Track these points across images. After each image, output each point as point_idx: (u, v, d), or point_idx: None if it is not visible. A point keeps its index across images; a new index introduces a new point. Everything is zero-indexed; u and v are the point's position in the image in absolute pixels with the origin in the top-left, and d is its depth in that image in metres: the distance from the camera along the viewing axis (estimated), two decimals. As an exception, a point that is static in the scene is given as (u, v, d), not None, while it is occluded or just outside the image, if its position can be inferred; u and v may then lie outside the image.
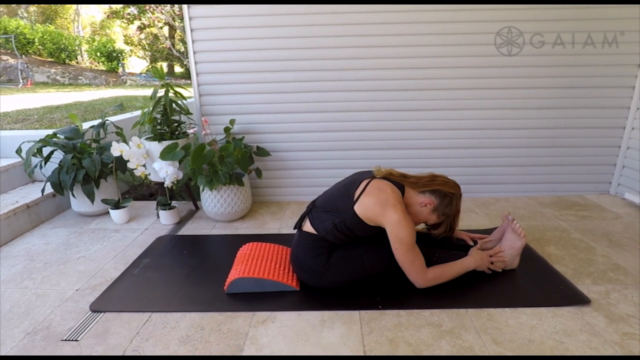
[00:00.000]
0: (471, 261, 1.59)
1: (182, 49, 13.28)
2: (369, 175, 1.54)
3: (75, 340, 1.32)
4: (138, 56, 14.80)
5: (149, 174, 2.30)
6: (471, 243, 1.75)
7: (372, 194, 1.45)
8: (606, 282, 1.59)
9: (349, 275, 1.54)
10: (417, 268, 1.47)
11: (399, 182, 1.53)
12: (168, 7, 11.58)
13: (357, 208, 1.45)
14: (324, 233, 1.50)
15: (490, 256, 1.64)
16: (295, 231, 1.67)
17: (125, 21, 13.65)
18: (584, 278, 1.63)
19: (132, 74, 13.74)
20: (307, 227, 1.56)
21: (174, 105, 2.28)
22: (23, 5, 17.01)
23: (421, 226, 1.75)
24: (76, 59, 13.32)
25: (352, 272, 1.54)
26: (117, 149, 2.17)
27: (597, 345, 1.25)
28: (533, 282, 1.60)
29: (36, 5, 17.36)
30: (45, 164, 2.31)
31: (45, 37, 12.26)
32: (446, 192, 1.52)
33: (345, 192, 1.51)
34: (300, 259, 1.56)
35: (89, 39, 14.12)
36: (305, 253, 1.54)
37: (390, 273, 1.56)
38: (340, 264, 1.52)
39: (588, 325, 1.34)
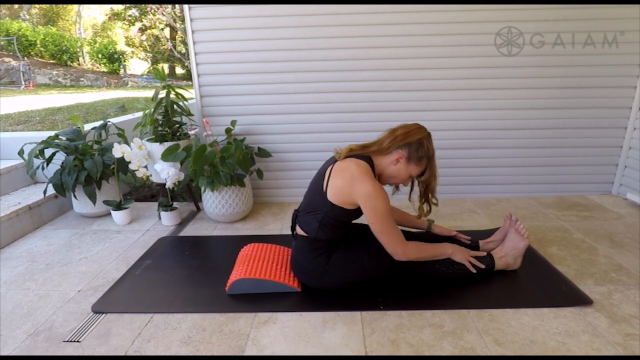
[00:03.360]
0: (448, 247, 1.57)
1: (184, 51, 13.29)
2: (332, 161, 1.52)
3: (77, 341, 1.32)
4: (139, 58, 14.83)
5: (151, 175, 2.30)
6: (467, 241, 1.76)
7: (337, 176, 1.43)
8: (608, 283, 1.59)
9: (349, 276, 1.54)
10: (395, 238, 1.44)
11: (363, 154, 1.49)
12: (169, 8, 11.60)
13: (330, 197, 1.44)
14: (314, 234, 1.50)
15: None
16: (293, 235, 1.67)
17: (127, 23, 13.69)
18: (586, 279, 1.63)
19: (134, 76, 13.79)
20: (300, 231, 1.57)
21: (175, 106, 2.28)
22: (25, 8, 17.08)
23: (416, 224, 1.75)
24: (78, 60, 13.37)
25: (353, 273, 1.53)
26: (118, 150, 2.18)
27: (599, 346, 1.24)
28: (535, 282, 1.60)
29: (38, 7, 17.42)
30: (47, 165, 2.31)
31: (47, 39, 12.31)
32: (412, 141, 1.46)
33: (316, 188, 1.50)
34: (300, 262, 1.56)
35: (91, 40, 14.19)
36: (304, 256, 1.54)
37: (392, 275, 1.56)
38: (341, 265, 1.52)
39: (590, 326, 1.33)
